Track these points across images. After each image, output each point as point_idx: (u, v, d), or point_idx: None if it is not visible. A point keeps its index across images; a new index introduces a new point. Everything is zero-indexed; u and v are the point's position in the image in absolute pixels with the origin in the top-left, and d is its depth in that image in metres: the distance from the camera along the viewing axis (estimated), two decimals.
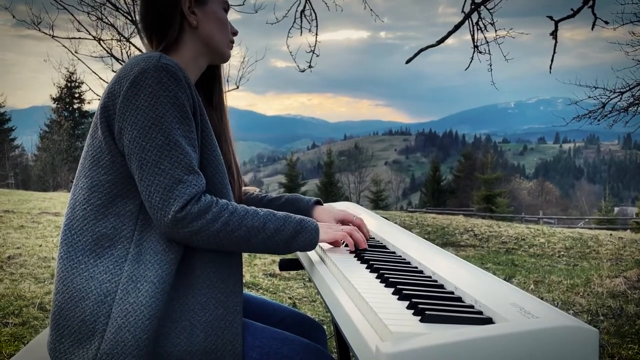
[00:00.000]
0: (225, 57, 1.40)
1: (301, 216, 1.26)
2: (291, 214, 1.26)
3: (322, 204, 1.56)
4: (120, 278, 1.13)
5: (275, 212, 1.24)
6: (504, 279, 5.28)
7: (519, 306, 0.85)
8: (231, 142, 1.42)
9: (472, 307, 0.91)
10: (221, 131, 1.40)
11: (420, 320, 0.83)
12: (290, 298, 4.15)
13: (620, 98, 7.50)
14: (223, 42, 1.36)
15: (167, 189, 1.11)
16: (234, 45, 1.42)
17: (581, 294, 4.38)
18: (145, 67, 1.15)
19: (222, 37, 1.36)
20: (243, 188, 1.60)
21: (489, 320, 0.84)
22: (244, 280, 4.40)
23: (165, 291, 1.13)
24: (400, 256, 1.30)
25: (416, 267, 1.19)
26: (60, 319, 1.15)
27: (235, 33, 1.42)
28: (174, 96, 1.14)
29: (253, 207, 1.22)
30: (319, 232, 1.26)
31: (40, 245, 5.42)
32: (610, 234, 9.40)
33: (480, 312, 0.87)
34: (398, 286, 1.00)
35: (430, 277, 1.11)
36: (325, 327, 3.10)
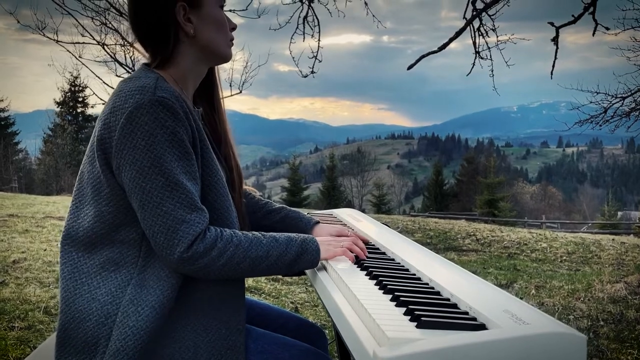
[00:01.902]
0: (228, 58, 1.36)
1: (303, 237, 1.28)
2: (293, 236, 1.27)
3: (319, 223, 1.60)
4: (122, 301, 1.14)
5: (278, 236, 1.25)
6: (506, 284, 5.26)
7: (511, 313, 0.89)
8: (232, 144, 1.42)
9: (466, 313, 0.94)
10: (222, 134, 1.40)
11: (417, 326, 0.86)
12: (292, 303, 4.18)
13: (622, 103, 7.53)
14: (223, 43, 1.32)
15: (171, 230, 1.11)
16: (233, 42, 1.37)
17: (582, 299, 4.39)
18: (140, 100, 1.12)
19: (222, 39, 1.32)
20: (244, 187, 1.63)
21: (482, 327, 0.87)
22: (246, 285, 4.43)
23: (165, 315, 1.14)
24: (399, 263, 1.33)
25: (414, 274, 1.23)
26: (65, 338, 1.17)
27: (233, 28, 1.37)
28: (172, 132, 1.12)
29: (256, 235, 1.23)
30: (320, 252, 1.28)
31: (44, 250, 5.46)
32: (613, 239, 9.40)
33: (475, 319, 0.91)
34: (396, 293, 1.03)
35: (427, 284, 1.15)
36: (327, 331, 3.13)
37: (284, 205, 1.65)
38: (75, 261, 1.20)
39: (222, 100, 1.45)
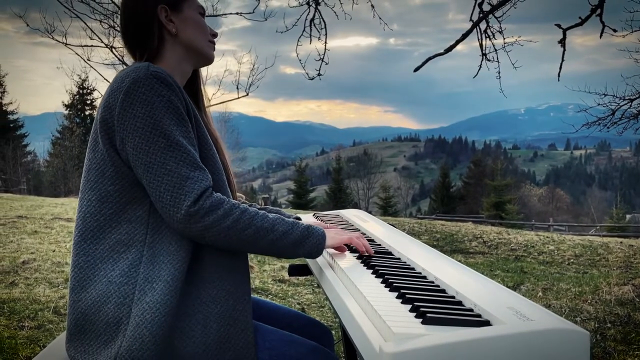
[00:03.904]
0: (209, 58, 1.44)
1: (309, 223, 1.31)
2: (298, 221, 1.30)
3: (300, 220, 1.63)
4: (137, 280, 1.18)
5: (284, 217, 1.29)
6: (513, 286, 5.26)
7: (515, 309, 0.90)
8: (221, 143, 1.46)
9: (471, 310, 0.95)
10: (211, 133, 1.44)
11: (422, 322, 0.88)
12: (299, 303, 4.19)
13: (630, 105, 7.49)
14: (204, 43, 1.41)
15: (177, 187, 1.16)
16: (215, 46, 1.46)
17: (589, 301, 4.38)
18: (136, 76, 1.20)
19: (202, 39, 1.40)
20: None
21: (486, 323, 0.89)
22: (253, 286, 4.45)
23: (179, 288, 1.18)
24: (405, 262, 1.35)
25: (420, 273, 1.24)
26: (86, 324, 1.20)
27: (214, 35, 1.45)
28: (168, 100, 1.20)
29: (263, 210, 1.27)
30: (325, 238, 1.30)
31: (53, 251, 5.51)
32: (621, 242, 9.35)
33: (479, 315, 0.92)
34: (402, 290, 1.05)
35: (433, 282, 1.16)
36: (333, 332, 3.14)
37: (267, 206, 1.71)
38: (86, 250, 1.23)
39: (205, 103, 1.51)
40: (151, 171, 1.17)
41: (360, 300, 1.02)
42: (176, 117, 1.20)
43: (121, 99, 1.19)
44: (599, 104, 7.40)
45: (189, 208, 1.15)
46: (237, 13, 8.44)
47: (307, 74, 6.95)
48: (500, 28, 6.07)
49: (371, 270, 1.23)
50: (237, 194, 1.69)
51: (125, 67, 1.37)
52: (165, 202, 1.16)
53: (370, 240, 1.59)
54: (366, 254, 1.37)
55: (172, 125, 1.19)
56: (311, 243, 1.28)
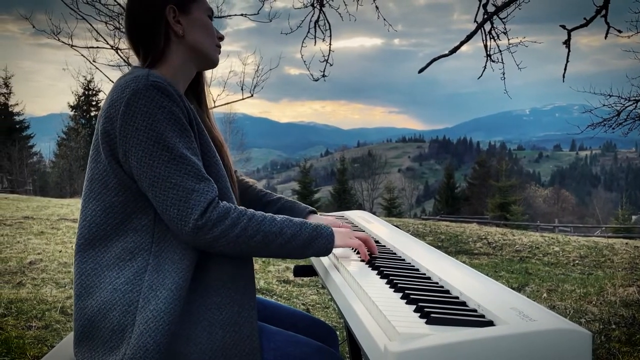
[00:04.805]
0: (214, 62, 1.43)
1: (317, 223, 1.31)
2: (306, 220, 1.30)
3: (316, 213, 1.64)
4: (141, 288, 1.19)
5: (292, 218, 1.29)
6: (517, 288, 5.26)
7: (518, 310, 0.91)
8: (225, 146, 1.46)
9: (475, 310, 0.97)
10: (214, 134, 1.44)
11: (426, 323, 0.89)
12: (303, 304, 4.21)
13: (635, 106, 7.48)
14: (210, 47, 1.40)
15: (183, 201, 1.16)
16: (220, 49, 1.45)
17: (594, 302, 4.37)
18: (136, 87, 1.18)
19: (209, 42, 1.39)
20: (242, 177, 1.67)
21: (490, 323, 0.90)
22: (258, 287, 4.47)
23: (183, 296, 1.18)
24: (410, 263, 1.36)
25: (424, 274, 1.25)
26: (92, 330, 1.21)
27: (221, 38, 1.44)
28: (169, 111, 1.19)
29: (270, 213, 1.27)
30: (334, 238, 1.30)
31: (60, 251, 5.54)
32: (626, 243, 9.32)
33: (483, 316, 0.93)
34: (406, 291, 1.06)
35: (437, 283, 1.17)
36: (337, 332, 3.15)
37: (282, 196, 1.70)
38: (93, 257, 1.24)
39: (209, 105, 1.51)
40: (156, 185, 1.17)
41: (365, 300, 1.03)
42: (178, 128, 1.20)
43: (122, 111, 1.18)
44: (604, 105, 7.40)
45: (196, 221, 1.15)
46: (241, 14, 8.48)
47: (312, 75, 6.98)
48: (505, 29, 6.08)
49: (376, 272, 1.24)
50: (250, 179, 1.70)
51: (129, 68, 1.37)
52: (172, 216, 1.17)
53: (375, 242, 1.60)
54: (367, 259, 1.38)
55: (175, 137, 1.18)
56: (320, 244, 1.28)
